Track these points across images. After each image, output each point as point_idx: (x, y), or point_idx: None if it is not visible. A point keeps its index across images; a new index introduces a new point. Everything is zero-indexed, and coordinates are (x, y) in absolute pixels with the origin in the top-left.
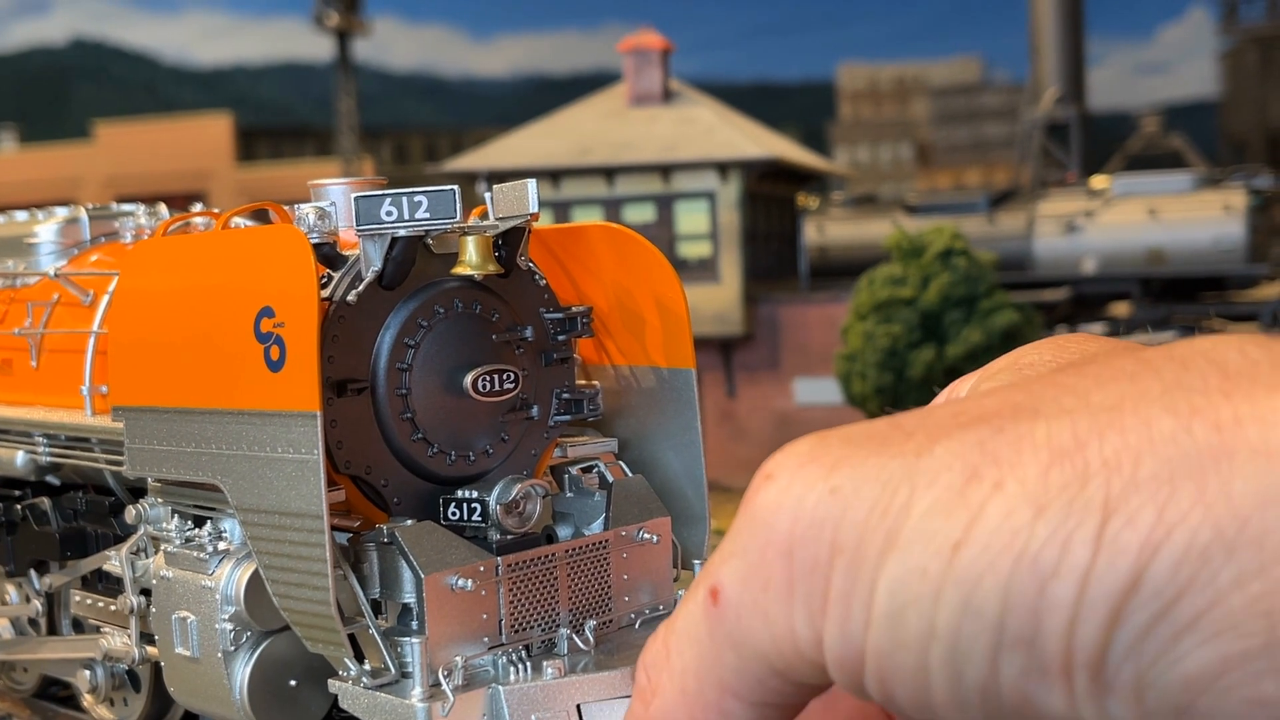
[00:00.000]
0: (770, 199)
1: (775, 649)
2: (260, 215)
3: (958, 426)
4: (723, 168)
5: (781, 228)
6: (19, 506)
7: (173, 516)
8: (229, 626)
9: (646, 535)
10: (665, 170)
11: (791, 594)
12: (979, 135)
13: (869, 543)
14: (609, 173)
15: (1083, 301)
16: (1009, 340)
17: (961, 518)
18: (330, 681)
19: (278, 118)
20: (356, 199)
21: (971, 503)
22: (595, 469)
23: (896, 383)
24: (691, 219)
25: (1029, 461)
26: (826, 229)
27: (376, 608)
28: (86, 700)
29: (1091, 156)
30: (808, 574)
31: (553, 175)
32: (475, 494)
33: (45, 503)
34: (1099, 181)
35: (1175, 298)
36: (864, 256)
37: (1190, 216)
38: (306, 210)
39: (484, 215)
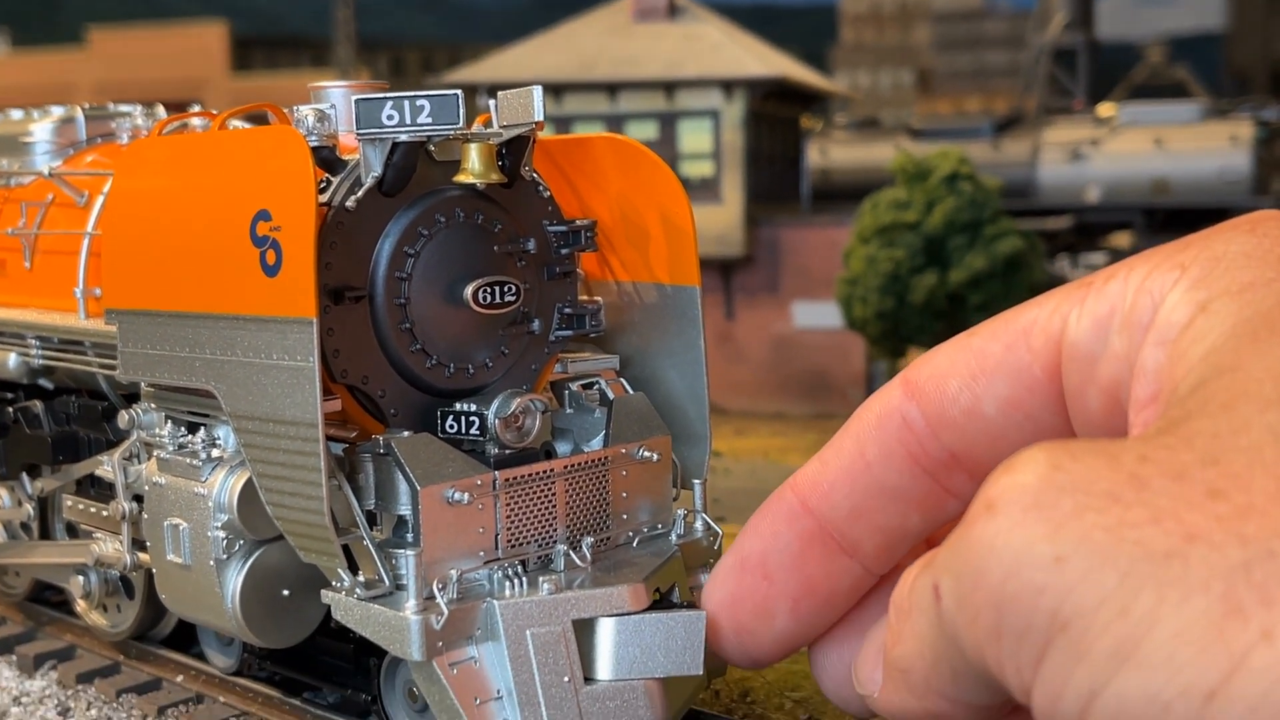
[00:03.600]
0: (774, 120)
1: (983, 667)
2: (258, 118)
3: (1210, 505)
4: (727, 86)
5: (784, 149)
6: (11, 409)
7: (166, 422)
8: (221, 535)
9: (646, 453)
10: (669, 87)
11: (998, 642)
12: (980, 63)
13: (1100, 639)
14: (612, 88)
15: (1085, 230)
16: (1012, 267)
17: (1220, 662)
18: (323, 592)
19: (273, 27)
20: (357, 101)
21: (1233, 647)
22: (596, 385)
23: (898, 307)
24: (694, 138)
25: None
26: (829, 152)
27: (371, 519)
28: (80, 606)
29: (1097, 86)
30: (1018, 635)
31: (555, 90)
32: (474, 407)
33: (37, 406)
34: (1105, 110)
35: (1178, 229)
36: (866, 180)
37: (1196, 147)
38: (306, 112)
39: (487, 123)
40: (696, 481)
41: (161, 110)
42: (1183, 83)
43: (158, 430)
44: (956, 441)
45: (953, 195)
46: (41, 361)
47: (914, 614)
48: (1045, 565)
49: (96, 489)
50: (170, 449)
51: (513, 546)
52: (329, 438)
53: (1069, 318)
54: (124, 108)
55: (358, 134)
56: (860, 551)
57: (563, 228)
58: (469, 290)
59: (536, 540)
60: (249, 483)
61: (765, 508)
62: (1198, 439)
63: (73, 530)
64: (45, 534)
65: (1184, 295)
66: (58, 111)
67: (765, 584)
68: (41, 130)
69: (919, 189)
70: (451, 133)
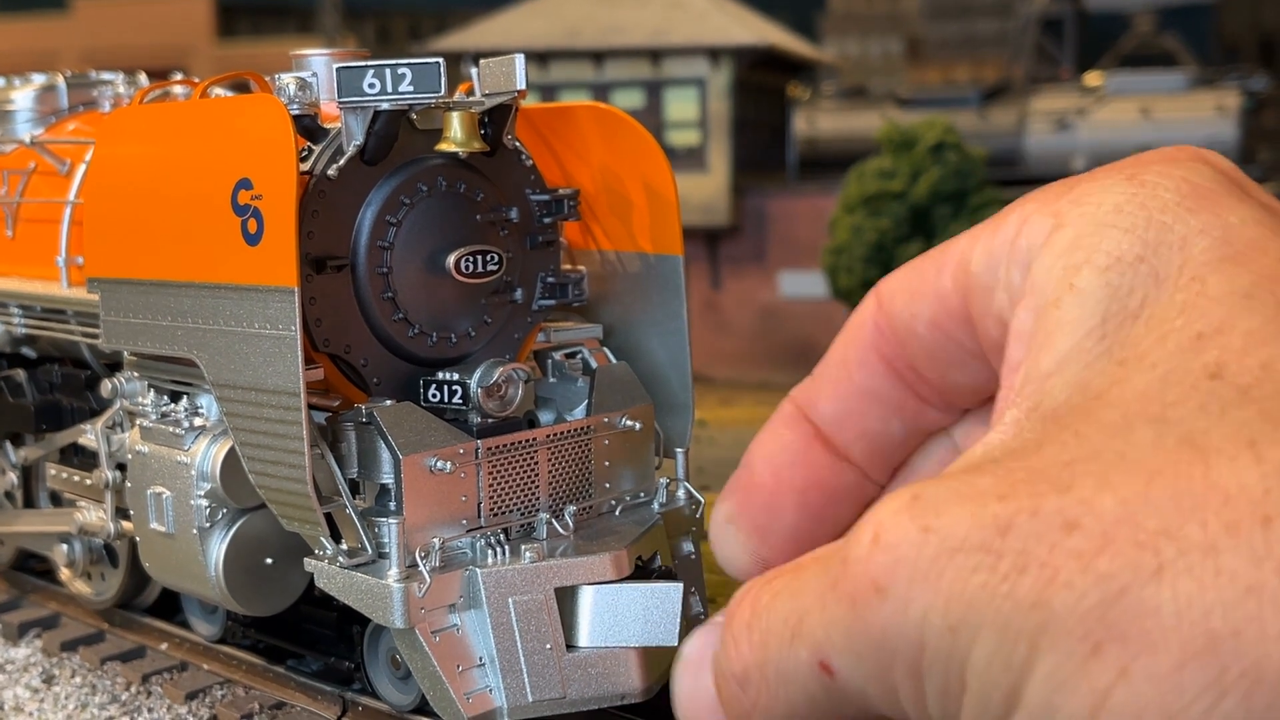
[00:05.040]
0: (761, 89)
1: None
2: (240, 86)
3: (1067, 540)
4: (714, 54)
5: (771, 118)
6: None
7: (149, 391)
8: (204, 503)
9: (629, 422)
10: (655, 55)
11: (922, 705)
12: (970, 31)
13: (994, 693)
14: (597, 56)
15: None
16: None
17: (1085, 699)
18: (306, 560)
19: None
20: (338, 70)
21: (1097, 684)
22: (579, 354)
23: (883, 277)
24: (681, 106)
25: (1159, 648)
26: (816, 121)
27: (354, 488)
28: (64, 574)
29: (1086, 55)
30: (940, 695)
31: (540, 58)
32: (456, 376)
33: (20, 375)
34: (1092, 79)
35: None
36: (854, 149)
37: (1183, 117)
38: (287, 80)
39: (470, 92)
40: (679, 450)
41: (144, 78)
42: (1172, 52)
43: (140, 399)
44: (912, 354)
45: (938, 165)
46: (24, 330)
47: (779, 680)
48: (943, 635)
49: (80, 457)
50: (153, 417)
51: (495, 515)
52: (311, 406)
53: (974, 249)
54: (106, 76)
55: (339, 102)
56: (851, 457)
57: (545, 196)
58: (451, 259)
59: (519, 508)
60: (232, 451)
61: (768, 422)
62: (1050, 468)
63: (57, 499)
64: (29, 502)
65: (1055, 259)
66: (40, 79)
67: (772, 480)
68: (23, 98)
69: (904, 158)
70: (433, 101)
